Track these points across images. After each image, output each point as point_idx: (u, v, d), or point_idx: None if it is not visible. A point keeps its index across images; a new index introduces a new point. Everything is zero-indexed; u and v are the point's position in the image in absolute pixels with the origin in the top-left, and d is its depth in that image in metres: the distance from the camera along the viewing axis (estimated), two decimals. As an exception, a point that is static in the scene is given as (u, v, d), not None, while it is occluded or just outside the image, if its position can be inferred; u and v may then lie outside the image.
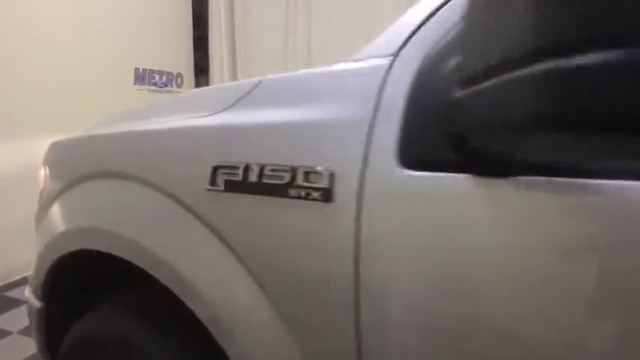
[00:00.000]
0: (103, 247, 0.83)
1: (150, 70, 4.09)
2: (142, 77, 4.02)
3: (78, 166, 0.95)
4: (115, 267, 1.08)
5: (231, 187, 0.66)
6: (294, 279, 0.61)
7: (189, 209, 0.71)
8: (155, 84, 4.18)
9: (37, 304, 1.13)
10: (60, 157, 1.07)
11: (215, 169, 0.68)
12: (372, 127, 0.56)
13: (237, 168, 0.66)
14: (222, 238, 0.67)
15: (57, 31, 3.25)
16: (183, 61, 4.50)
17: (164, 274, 0.73)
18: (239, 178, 0.65)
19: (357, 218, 0.56)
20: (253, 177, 0.64)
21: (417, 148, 0.53)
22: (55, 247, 0.95)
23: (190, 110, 0.78)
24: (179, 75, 4.47)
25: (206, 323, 0.68)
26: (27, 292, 1.23)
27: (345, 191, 0.57)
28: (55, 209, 0.99)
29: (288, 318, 0.62)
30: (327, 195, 0.57)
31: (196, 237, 0.70)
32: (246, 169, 0.65)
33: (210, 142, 0.71)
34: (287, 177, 0.61)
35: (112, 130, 0.89)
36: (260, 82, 0.72)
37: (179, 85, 4.47)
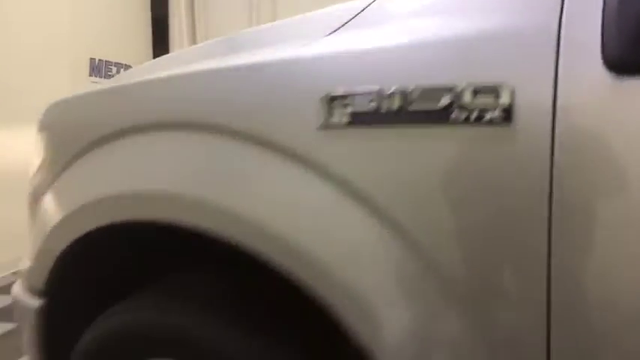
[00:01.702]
0: (169, 216, 0.65)
1: (107, 61, 3.77)
2: (97, 68, 3.68)
3: (105, 123, 0.76)
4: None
5: (359, 120, 0.53)
6: (461, 225, 0.49)
7: (295, 157, 0.56)
8: (112, 76, 3.85)
9: (33, 302, 0.91)
10: (70, 117, 0.87)
11: (332, 101, 0.54)
12: (561, 27, 0.46)
13: (366, 95, 0.52)
14: (350, 189, 0.53)
15: (10, 16, 2.90)
16: (141, 53, 4.19)
17: (270, 246, 0.58)
18: (370, 107, 0.52)
19: (550, 142, 0.45)
20: (393, 104, 0.51)
21: (627, 49, 0.44)
22: (77, 222, 0.76)
23: (277, 42, 0.63)
24: (137, 68, 4.16)
25: (331, 301, 0.54)
26: (17, 291, 1.00)
27: (531, 107, 0.46)
28: (71, 178, 0.80)
29: (453, 280, 0.49)
30: (507, 114, 0.46)
31: (312, 192, 0.55)
32: (381, 95, 0.52)
33: (321, 72, 0.57)
34: (446, 99, 0.49)
35: (160, 75, 0.71)
36: (373, 2, 0.59)
37: (137, 79, 4.16)
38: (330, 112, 0.54)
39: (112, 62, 3.81)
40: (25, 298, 0.94)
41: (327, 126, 0.54)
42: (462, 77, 0.48)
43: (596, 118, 0.45)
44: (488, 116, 0.47)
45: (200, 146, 0.63)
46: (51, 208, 0.84)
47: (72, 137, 0.83)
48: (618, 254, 0.45)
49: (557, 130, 0.45)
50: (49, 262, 0.86)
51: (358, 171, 0.53)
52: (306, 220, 0.56)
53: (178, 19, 4.31)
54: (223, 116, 0.61)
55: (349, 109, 0.53)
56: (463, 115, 0.48)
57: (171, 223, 0.64)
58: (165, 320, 0.69)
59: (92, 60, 3.62)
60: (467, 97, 0.48)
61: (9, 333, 2.03)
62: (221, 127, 0.61)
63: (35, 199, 0.93)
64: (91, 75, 3.60)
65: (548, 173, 0.45)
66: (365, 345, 0.54)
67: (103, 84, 0.89)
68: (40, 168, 0.92)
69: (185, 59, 0.73)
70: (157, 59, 0.85)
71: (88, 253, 0.86)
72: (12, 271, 2.88)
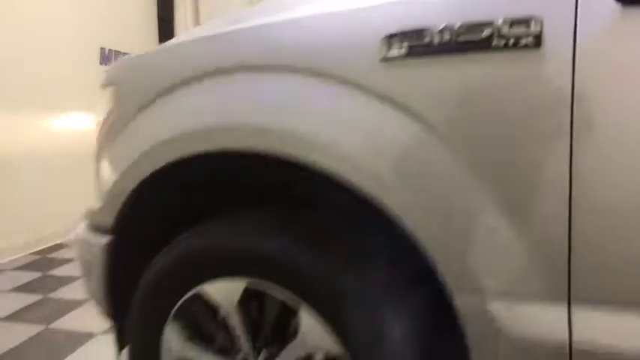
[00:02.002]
0: (257, 145, 0.76)
1: (116, 51, 3.86)
2: (107, 57, 3.77)
3: (181, 69, 0.86)
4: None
5: (414, 52, 0.65)
6: (498, 129, 0.61)
7: (361, 87, 0.68)
8: (121, 66, 3.94)
9: (101, 240, 1.02)
10: (145, 68, 0.97)
11: (391, 38, 0.66)
12: None
13: (420, 31, 0.64)
14: (407, 110, 0.65)
15: (26, 6, 2.98)
16: (149, 45, 4.28)
17: (341, 165, 0.70)
18: (424, 41, 0.64)
19: (572, 60, 0.57)
20: (443, 37, 0.63)
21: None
22: (158, 153, 0.86)
23: None
24: (144, 59, 4.25)
25: (400, 213, 0.67)
26: (81, 233, 1.11)
27: (556, 34, 0.58)
28: (146, 121, 0.90)
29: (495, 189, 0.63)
30: (537, 40, 0.58)
31: (379, 118, 0.67)
32: (433, 31, 0.64)
33: (381, 15, 0.68)
34: (487, 31, 0.61)
35: (241, 26, 0.82)
36: None
37: (144, 70, 4.25)
38: (389, 47, 0.66)
39: (120, 52, 3.90)
40: (92, 237, 1.05)
41: (387, 59, 0.67)
42: (500, 13, 0.61)
43: (608, 42, 0.57)
44: (522, 42, 0.59)
45: (280, 84, 0.75)
46: (124, 150, 0.95)
47: (146, 85, 0.94)
48: (632, 151, 0.57)
49: (577, 51, 0.58)
50: (120, 201, 0.97)
51: (415, 94, 0.65)
52: (371, 138, 0.68)
53: (183, 11, 4.40)
54: (301, 58, 0.73)
55: (405, 44, 0.65)
56: (502, 43, 0.60)
57: (260, 151, 0.76)
58: (242, 242, 0.82)
59: (102, 49, 3.71)
60: (504, 29, 0.60)
61: (35, 304, 2.13)
62: (299, 68, 0.73)
63: (102, 147, 1.04)
64: (101, 64, 3.69)
65: (570, 84, 0.58)
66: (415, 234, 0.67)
67: (177, 39, 0.99)
68: (106, 119, 1.03)
69: (256, 13, 0.85)
70: (225, 17, 0.96)
71: (153, 192, 0.97)
72: (30, 251, 2.98)
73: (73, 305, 2.11)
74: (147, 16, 4.35)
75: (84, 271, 1.12)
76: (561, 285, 0.64)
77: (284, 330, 0.88)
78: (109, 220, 1.00)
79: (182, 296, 0.91)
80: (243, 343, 0.89)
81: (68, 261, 2.77)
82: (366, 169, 0.68)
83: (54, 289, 2.33)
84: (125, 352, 1.14)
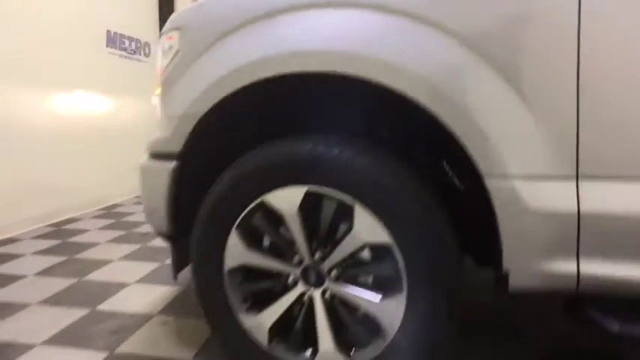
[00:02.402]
0: (343, 69, 0.91)
1: (120, 34, 3.95)
2: (113, 40, 3.86)
3: (254, 8, 1.02)
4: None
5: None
6: (526, 44, 0.80)
7: (420, 18, 0.86)
8: (125, 49, 4.03)
9: (166, 165, 1.16)
10: (213, 10, 1.10)
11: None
12: None
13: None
14: (456, 36, 0.83)
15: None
16: (150, 30, 4.38)
17: (412, 86, 0.87)
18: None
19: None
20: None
21: None
22: (235, 78, 1.00)
23: None
24: (146, 44, 4.35)
25: (447, 117, 0.85)
26: (145, 161, 1.24)
27: None
28: (220, 51, 1.05)
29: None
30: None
31: (434, 43, 0.85)
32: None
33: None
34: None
35: None
36: None
37: (147, 55, 4.35)
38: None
39: (125, 35, 4.00)
40: (156, 163, 1.19)
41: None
42: None
43: None
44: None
45: (352, 17, 0.92)
46: (195, 82, 1.10)
47: (214, 24, 1.09)
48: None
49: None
50: (189, 128, 1.11)
51: (460, 20, 0.83)
52: (428, 59, 0.86)
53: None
54: None
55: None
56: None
57: (342, 74, 0.92)
58: (308, 152, 0.98)
59: (108, 32, 3.80)
60: None
61: (63, 263, 2.24)
62: (364, 4, 0.91)
63: (168, 85, 1.18)
64: (107, 46, 3.78)
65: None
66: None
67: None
68: (171, 60, 1.17)
69: None
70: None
71: (220, 118, 1.11)
72: (46, 223, 3.06)
73: (100, 264, 2.23)
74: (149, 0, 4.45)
75: (146, 198, 1.25)
76: (571, 166, 0.81)
77: (336, 230, 1.03)
78: (175, 146, 1.14)
79: (247, 206, 1.07)
80: (300, 244, 1.04)
81: (84, 231, 2.88)
82: (423, 84, 0.86)
83: (78, 252, 2.44)
84: (182, 275, 1.29)
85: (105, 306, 1.72)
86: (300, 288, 1.07)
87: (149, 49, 4.39)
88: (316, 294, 1.06)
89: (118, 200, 3.85)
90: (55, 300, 1.79)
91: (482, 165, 0.85)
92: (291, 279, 1.08)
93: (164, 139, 1.17)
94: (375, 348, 1.01)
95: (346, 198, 0.97)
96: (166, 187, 1.17)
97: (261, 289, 1.14)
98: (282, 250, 1.09)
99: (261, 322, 1.11)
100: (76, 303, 1.75)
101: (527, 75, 0.81)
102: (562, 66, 0.80)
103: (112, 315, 1.64)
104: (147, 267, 2.16)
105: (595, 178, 0.81)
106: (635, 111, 0.78)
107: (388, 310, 0.98)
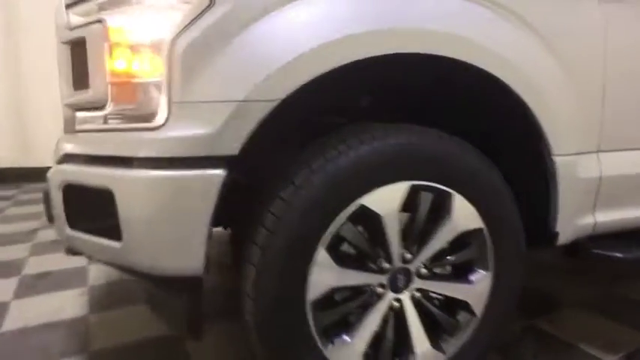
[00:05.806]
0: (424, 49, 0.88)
1: None
2: None
3: None
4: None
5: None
6: (572, 25, 1.03)
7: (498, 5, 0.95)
8: None
9: (212, 175, 0.80)
10: None
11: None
12: None
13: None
14: (521, 20, 0.96)
15: None
16: None
17: (481, 58, 0.93)
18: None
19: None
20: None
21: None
22: (345, 48, 0.84)
23: None
24: None
25: (526, 98, 0.97)
26: (162, 172, 0.80)
27: None
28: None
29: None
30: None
31: (505, 26, 0.95)
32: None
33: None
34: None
35: None
36: None
37: None
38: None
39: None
40: (191, 174, 0.80)
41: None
42: None
43: None
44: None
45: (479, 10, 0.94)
46: (262, 51, 0.80)
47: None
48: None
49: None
50: (253, 121, 0.80)
51: (523, 5, 0.98)
52: (505, 44, 0.97)
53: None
54: None
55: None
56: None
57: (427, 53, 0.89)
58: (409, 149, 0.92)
59: None
60: None
61: None
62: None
63: (191, 56, 0.79)
64: None
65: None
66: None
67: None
68: (197, 19, 0.80)
69: None
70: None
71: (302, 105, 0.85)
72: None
73: None
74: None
75: (165, 224, 0.81)
76: (596, 143, 1.10)
77: (429, 225, 0.99)
78: (226, 148, 0.80)
79: (340, 214, 0.88)
80: (395, 248, 0.95)
81: None
82: (523, 76, 0.96)
83: None
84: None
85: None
86: (389, 296, 0.97)
87: None
88: (405, 297, 0.99)
89: None
90: None
91: (555, 146, 1.03)
92: (379, 290, 0.96)
93: (202, 137, 0.79)
94: (465, 330, 1.05)
95: (447, 190, 0.96)
96: (211, 208, 0.80)
97: (342, 313, 0.95)
98: (370, 259, 0.96)
99: (354, 349, 0.94)
100: None
101: (580, 69, 1.04)
102: (593, 66, 1.07)
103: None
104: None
105: (608, 151, 1.12)
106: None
107: (478, 290, 1.04)
